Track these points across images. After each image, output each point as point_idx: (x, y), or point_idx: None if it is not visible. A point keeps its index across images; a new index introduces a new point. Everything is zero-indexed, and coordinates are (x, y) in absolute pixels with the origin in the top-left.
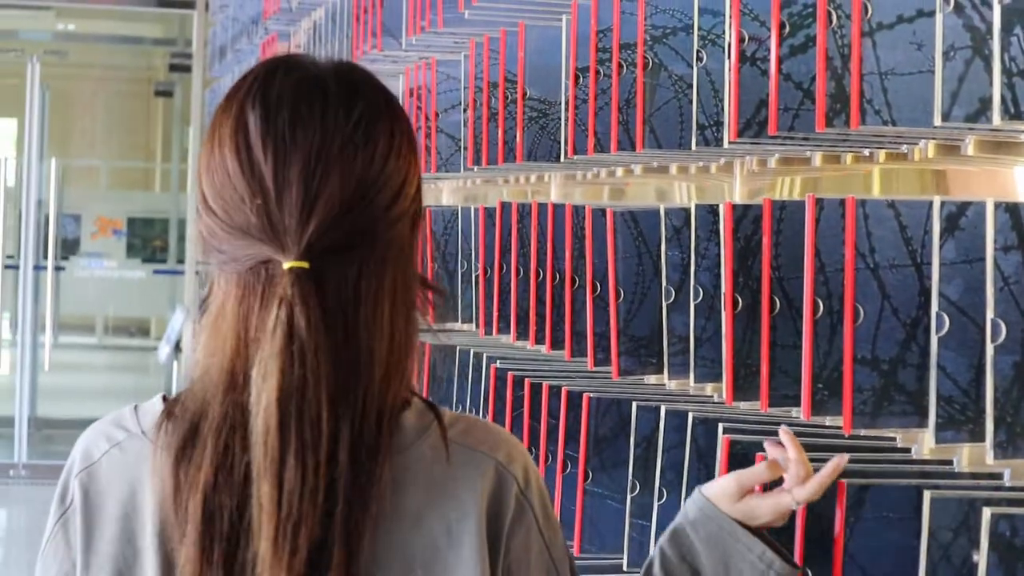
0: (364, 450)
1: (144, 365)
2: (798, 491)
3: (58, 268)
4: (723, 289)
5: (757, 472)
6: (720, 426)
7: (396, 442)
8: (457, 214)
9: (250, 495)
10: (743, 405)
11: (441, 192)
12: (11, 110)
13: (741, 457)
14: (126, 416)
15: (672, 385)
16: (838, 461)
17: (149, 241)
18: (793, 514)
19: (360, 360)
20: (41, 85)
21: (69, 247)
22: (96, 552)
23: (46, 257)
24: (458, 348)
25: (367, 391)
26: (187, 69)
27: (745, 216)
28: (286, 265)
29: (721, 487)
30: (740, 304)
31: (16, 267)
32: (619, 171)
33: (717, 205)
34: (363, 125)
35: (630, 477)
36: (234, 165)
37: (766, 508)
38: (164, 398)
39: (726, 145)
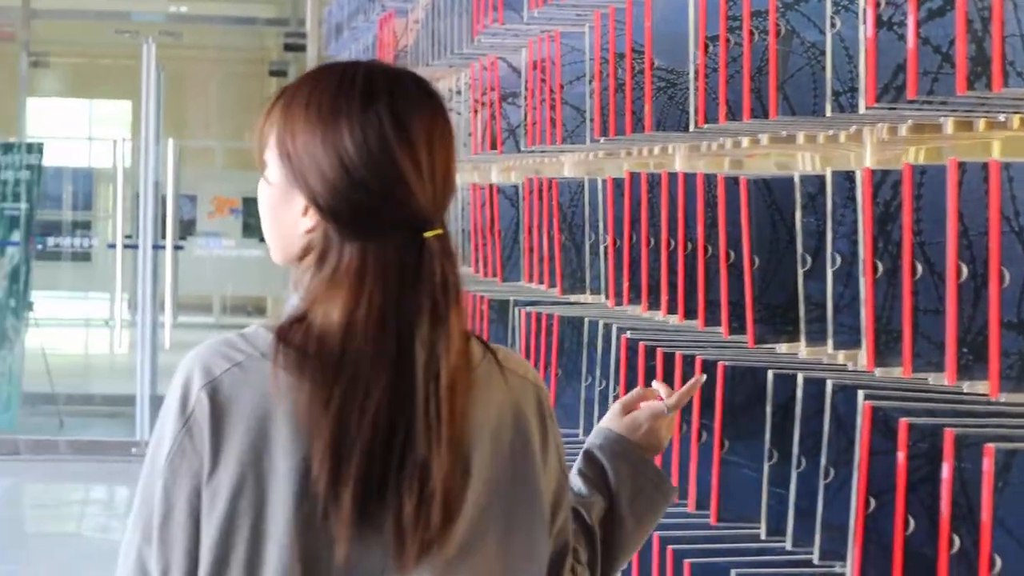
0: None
1: None
2: (668, 401)
3: (176, 248)
4: (862, 255)
5: (634, 392)
6: (860, 393)
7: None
8: (583, 186)
9: (374, 408)
10: (878, 372)
11: (563, 166)
12: (127, 92)
13: (882, 424)
14: (237, 341)
15: (804, 353)
16: (699, 377)
17: None
18: (936, 482)
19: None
20: (156, 67)
21: (186, 227)
22: (226, 453)
23: (164, 237)
24: (586, 320)
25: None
26: (301, 48)
27: (884, 181)
28: (428, 234)
29: (611, 411)
30: (880, 270)
31: (135, 247)
32: (744, 142)
33: (853, 171)
34: (443, 118)
35: (767, 446)
36: (367, 152)
37: (644, 415)
38: (268, 328)
39: (862, 111)
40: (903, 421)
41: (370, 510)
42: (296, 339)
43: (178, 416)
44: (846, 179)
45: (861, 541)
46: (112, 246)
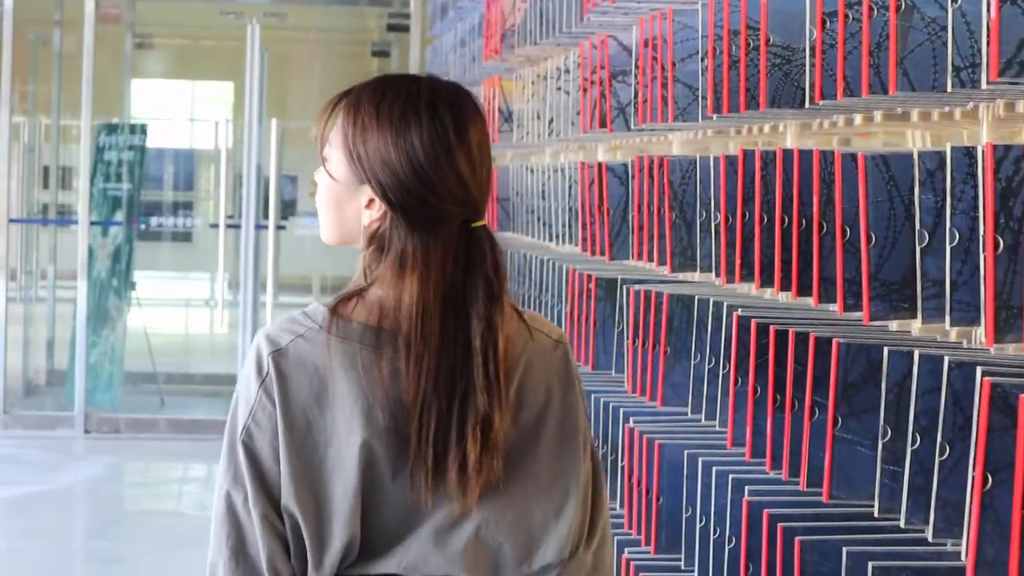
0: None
1: None
2: None
3: (278, 228)
4: (982, 231)
5: None
6: (978, 369)
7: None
8: (695, 164)
9: (434, 369)
10: (993, 350)
11: (670, 145)
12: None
13: (1001, 401)
14: (299, 318)
15: (917, 330)
16: None
17: None
18: None
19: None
20: (260, 48)
21: (287, 208)
22: (292, 403)
23: (266, 217)
24: (696, 297)
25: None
26: (404, 29)
27: (1006, 157)
28: (476, 224)
29: None
30: (1001, 245)
31: (237, 227)
32: (857, 119)
33: (974, 147)
34: (486, 128)
35: (881, 423)
36: (435, 155)
37: None
38: (326, 306)
39: (984, 86)
40: (1023, 397)
41: (436, 458)
42: (347, 312)
43: (255, 379)
44: (966, 155)
45: (977, 519)
46: (214, 226)
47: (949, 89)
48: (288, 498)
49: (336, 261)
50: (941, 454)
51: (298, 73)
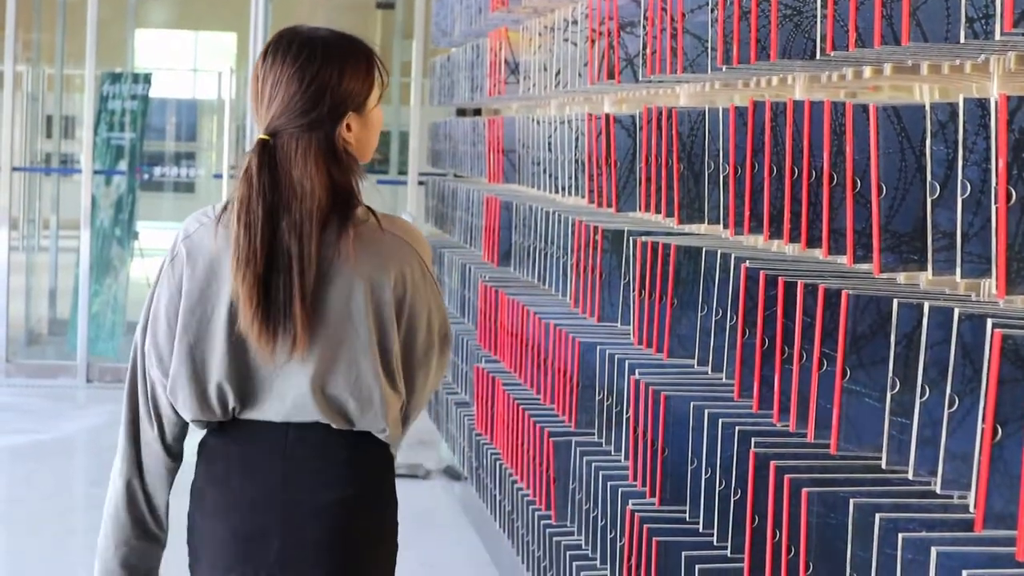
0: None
1: None
2: None
3: None
4: (994, 183)
5: None
6: (989, 321)
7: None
8: (704, 115)
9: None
10: (1003, 303)
11: (677, 97)
12: (233, 24)
13: (1012, 353)
14: (206, 211)
15: (926, 283)
16: None
17: None
18: None
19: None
20: None
21: None
22: (192, 280)
23: None
24: (704, 249)
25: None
26: None
27: (1019, 108)
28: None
29: None
30: (1014, 197)
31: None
32: (866, 72)
33: (986, 99)
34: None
35: (890, 375)
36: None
37: None
38: (225, 205)
39: (998, 37)
40: None
41: (271, 320)
42: (230, 207)
43: (169, 257)
44: (978, 106)
45: (987, 471)
46: (217, 176)
47: (962, 40)
48: (177, 343)
49: None
50: (950, 406)
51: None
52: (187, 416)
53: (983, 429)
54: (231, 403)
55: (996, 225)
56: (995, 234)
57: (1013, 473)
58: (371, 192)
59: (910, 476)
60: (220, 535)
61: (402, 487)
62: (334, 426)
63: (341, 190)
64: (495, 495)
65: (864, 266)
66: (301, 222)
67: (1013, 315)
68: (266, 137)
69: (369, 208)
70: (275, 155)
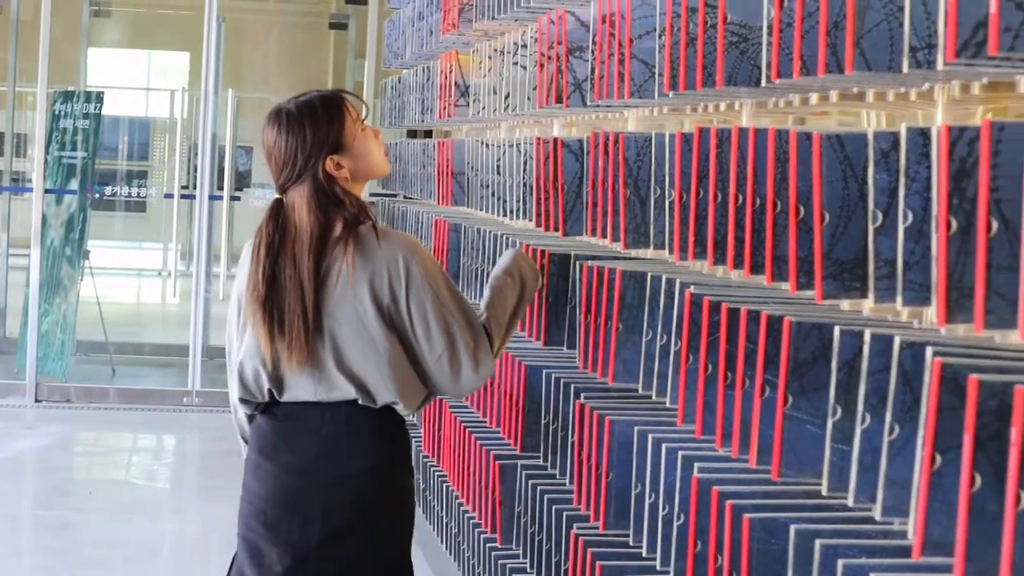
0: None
1: None
2: None
3: (232, 199)
4: (935, 212)
5: None
6: (928, 349)
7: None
8: (651, 140)
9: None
10: (944, 331)
11: (626, 122)
12: (186, 43)
13: (951, 381)
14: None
15: (868, 310)
16: None
17: None
18: (1003, 439)
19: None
20: (217, 18)
21: (242, 179)
22: (236, 291)
23: (220, 188)
24: (649, 274)
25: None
26: (363, 1)
27: (960, 138)
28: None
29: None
30: (954, 226)
31: (191, 197)
32: (812, 99)
33: (928, 128)
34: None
35: (831, 401)
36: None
37: None
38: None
39: (940, 67)
40: (972, 378)
41: (276, 326)
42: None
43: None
44: (920, 135)
45: (925, 498)
46: (168, 196)
47: (905, 70)
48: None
49: None
50: (890, 433)
51: (255, 44)
52: (234, 396)
53: (922, 456)
54: (266, 386)
55: (936, 254)
56: (935, 263)
57: (951, 500)
58: None
59: (850, 503)
60: (265, 498)
61: None
62: (360, 402)
63: (342, 218)
64: (442, 517)
65: (808, 293)
66: (296, 257)
67: (953, 343)
68: (279, 196)
69: (374, 224)
70: (283, 206)
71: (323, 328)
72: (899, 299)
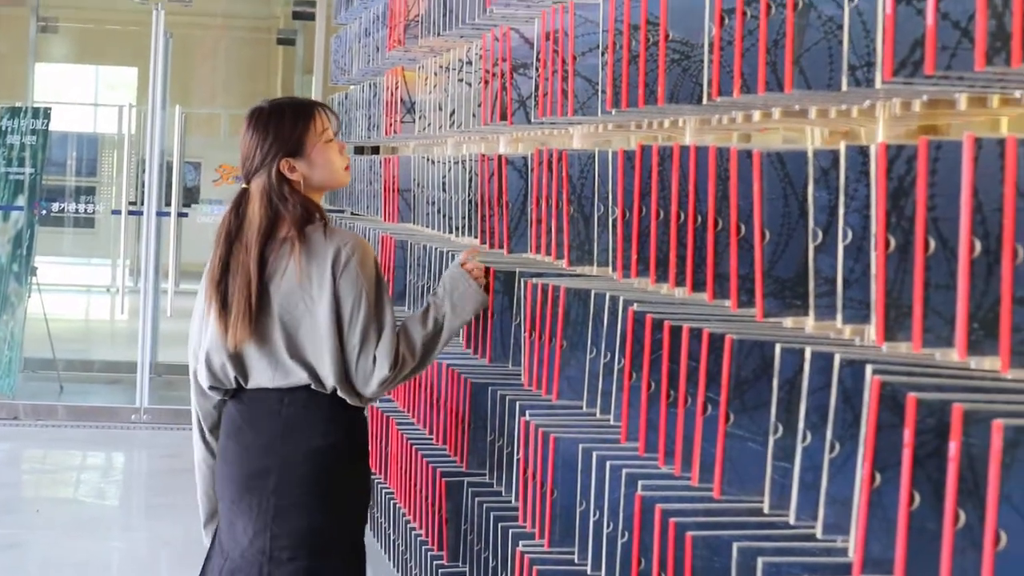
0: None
1: None
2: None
3: (180, 215)
4: (874, 230)
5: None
6: (868, 367)
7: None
8: (594, 158)
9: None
10: (886, 348)
11: (571, 138)
12: (134, 58)
13: (890, 399)
14: None
15: (811, 328)
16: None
17: None
18: (942, 457)
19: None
20: (165, 33)
21: (190, 195)
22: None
23: (168, 204)
24: (593, 292)
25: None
26: (310, 17)
27: (898, 156)
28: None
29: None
30: (892, 244)
31: (139, 213)
32: (755, 116)
33: (867, 146)
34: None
35: (772, 419)
36: None
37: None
38: None
39: (878, 85)
40: (911, 396)
41: (223, 305)
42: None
43: None
44: (860, 153)
45: (865, 516)
46: (116, 212)
47: (844, 88)
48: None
49: None
50: (831, 451)
51: (203, 59)
52: (205, 384)
53: (862, 474)
54: (231, 374)
55: (875, 272)
56: (874, 281)
57: (891, 518)
58: None
59: (792, 521)
60: (233, 475)
61: None
62: (313, 387)
63: (288, 216)
64: (389, 534)
65: (750, 310)
66: (247, 243)
67: (894, 361)
68: (245, 186)
69: (325, 224)
70: (246, 195)
71: (276, 317)
72: (839, 317)
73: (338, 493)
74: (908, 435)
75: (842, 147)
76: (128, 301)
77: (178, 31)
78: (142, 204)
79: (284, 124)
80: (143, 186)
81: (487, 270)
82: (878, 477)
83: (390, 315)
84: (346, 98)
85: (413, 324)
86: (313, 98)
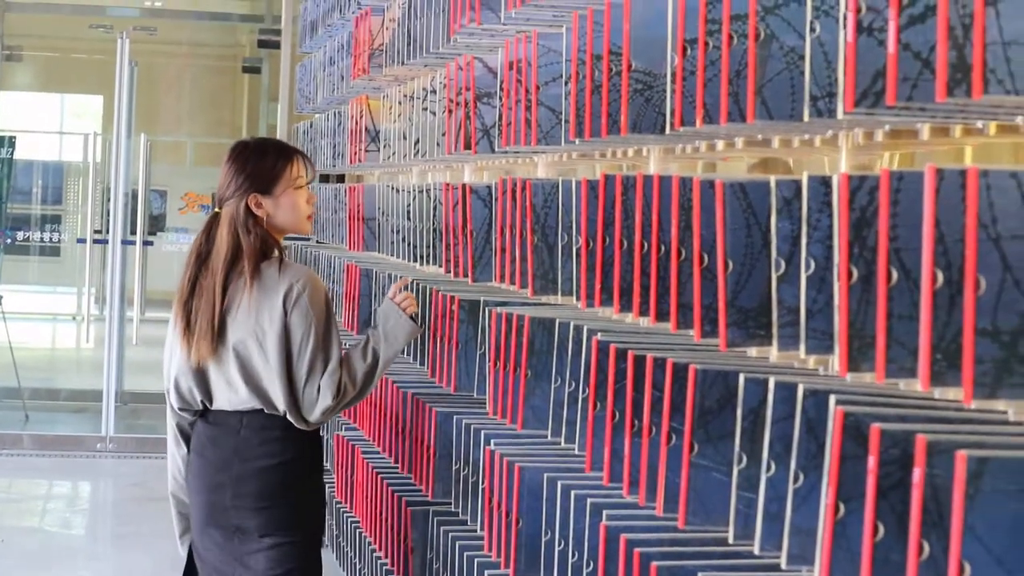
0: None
1: None
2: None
3: (146, 243)
4: (836, 260)
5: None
6: (832, 397)
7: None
8: (558, 187)
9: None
10: (850, 378)
11: (536, 167)
12: (99, 87)
13: (854, 429)
14: None
15: (775, 357)
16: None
17: None
18: (906, 488)
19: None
20: (130, 61)
21: (156, 223)
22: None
23: (134, 232)
24: (557, 321)
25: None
26: (275, 45)
27: (860, 187)
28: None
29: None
30: (855, 275)
31: (104, 242)
32: (719, 145)
33: (830, 176)
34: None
35: (737, 449)
36: None
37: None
38: None
39: (840, 116)
40: (875, 427)
41: (187, 325)
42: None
43: None
44: (822, 184)
45: (830, 546)
46: (81, 241)
47: (806, 118)
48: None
49: None
50: (795, 481)
51: (168, 87)
52: (176, 406)
53: (826, 505)
54: (198, 397)
55: (838, 303)
56: (837, 312)
57: (855, 549)
58: None
59: (756, 551)
60: (199, 487)
61: None
62: (266, 411)
63: (254, 247)
64: (355, 563)
65: (714, 340)
66: (213, 268)
67: (857, 391)
68: (217, 211)
69: (281, 259)
70: (216, 220)
71: (230, 347)
72: (802, 347)
73: (291, 508)
74: (872, 465)
75: (804, 177)
76: (94, 329)
77: (143, 59)
78: (107, 232)
79: (263, 162)
80: (108, 214)
81: (417, 300)
82: (842, 508)
83: (336, 348)
84: (311, 126)
85: (356, 356)
86: (280, 129)
